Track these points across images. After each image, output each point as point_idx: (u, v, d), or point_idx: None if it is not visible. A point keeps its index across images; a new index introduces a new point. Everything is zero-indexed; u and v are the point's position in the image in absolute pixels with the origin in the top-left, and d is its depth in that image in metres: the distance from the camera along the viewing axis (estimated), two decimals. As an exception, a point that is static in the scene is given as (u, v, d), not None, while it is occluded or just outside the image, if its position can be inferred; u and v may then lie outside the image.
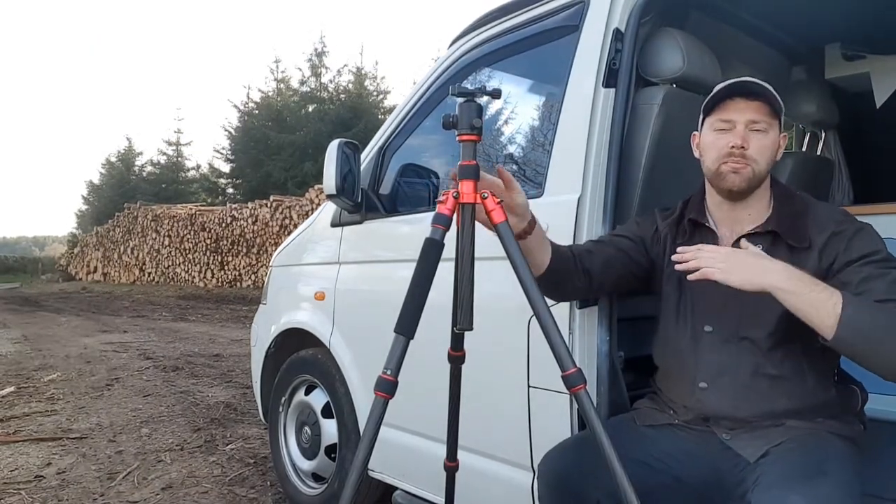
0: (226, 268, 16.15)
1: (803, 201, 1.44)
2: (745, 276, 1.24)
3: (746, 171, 1.37)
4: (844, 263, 1.31)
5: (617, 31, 1.70)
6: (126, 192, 25.59)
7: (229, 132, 22.01)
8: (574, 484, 1.39)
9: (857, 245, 1.31)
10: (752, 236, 1.42)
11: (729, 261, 1.26)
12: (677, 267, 1.31)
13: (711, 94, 1.42)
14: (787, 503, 1.15)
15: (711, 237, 1.48)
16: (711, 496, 1.39)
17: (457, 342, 1.55)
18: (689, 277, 1.29)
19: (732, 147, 1.37)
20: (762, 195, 1.44)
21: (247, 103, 22.31)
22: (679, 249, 1.32)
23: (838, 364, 1.48)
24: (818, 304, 1.19)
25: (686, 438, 1.45)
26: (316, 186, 13.25)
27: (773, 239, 1.41)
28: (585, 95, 1.72)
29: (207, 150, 66.12)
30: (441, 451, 1.69)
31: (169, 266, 18.38)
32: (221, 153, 22.70)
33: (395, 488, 2.25)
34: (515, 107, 2.25)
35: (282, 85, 22.43)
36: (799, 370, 1.38)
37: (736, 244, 1.42)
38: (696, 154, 1.49)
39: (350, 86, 21.28)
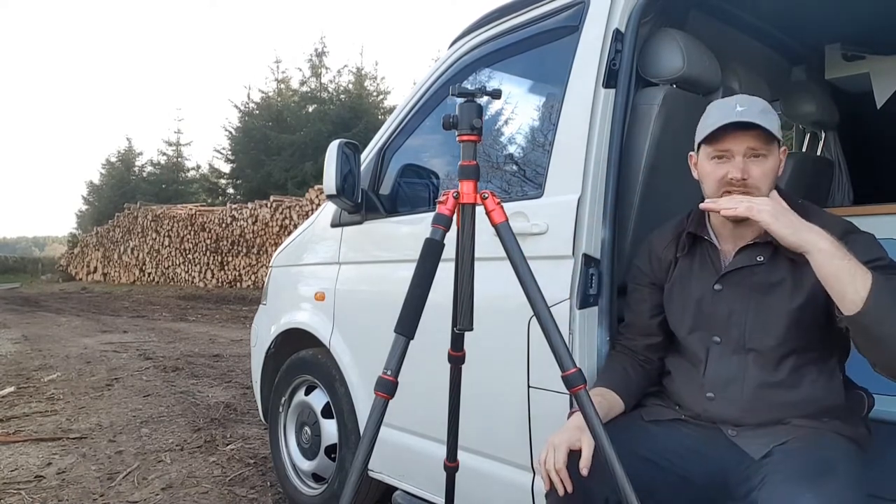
0: (226, 268, 16.14)
1: (804, 208, 1.42)
2: (789, 226, 1.21)
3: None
4: None
5: (617, 31, 1.70)
6: (126, 192, 25.55)
7: (229, 132, 21.99)
8: (582, 481, 1.39)
9: (861, 249, 1.30)
10: (752, 247, 1.41)
11: (776, 208, 1.24)
12: (723, 213, 1.30)
13: (705, 123, 1.39)
14: (799, 501, 1.15)
15: (712, 250, 1.48)
16: (715, 494, 1.39)
17: (457, 342, 1.55)
18: (727, 214, 1.28)
19: (732, 178, 1.34)
20: None
21: (247, 103, 22.30)
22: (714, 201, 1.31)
23: (844, 371, 1.48)
24: (852, 273, 1.17)
25: (691, 435, 1.46)
26: (316, 186, 13.24)
27: (773, 250, 1.39)
28: (585, 96, 1.72)
29: (207, 150, 66.19)
30: (441, 451, 1.69)
31: (169, 266, 18.37)
32: (221, 153, 22.68)
33: (395, 488, 2.26)
34: (515, 107, 2.25)
35: (282, 85, 22.44)
36: (807, 380, 1.39)
37: (737, 255, 1.43)
38: (695, 175, 1.47)
39: (350, 86, 21.27)
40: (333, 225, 2.53)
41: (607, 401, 1.48)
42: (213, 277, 16.51)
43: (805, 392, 1.38)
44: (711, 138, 1.37)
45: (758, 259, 1.40)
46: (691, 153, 1.49)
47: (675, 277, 1.54)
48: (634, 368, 1.58)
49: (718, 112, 1.38)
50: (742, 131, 1.34)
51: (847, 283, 1.18)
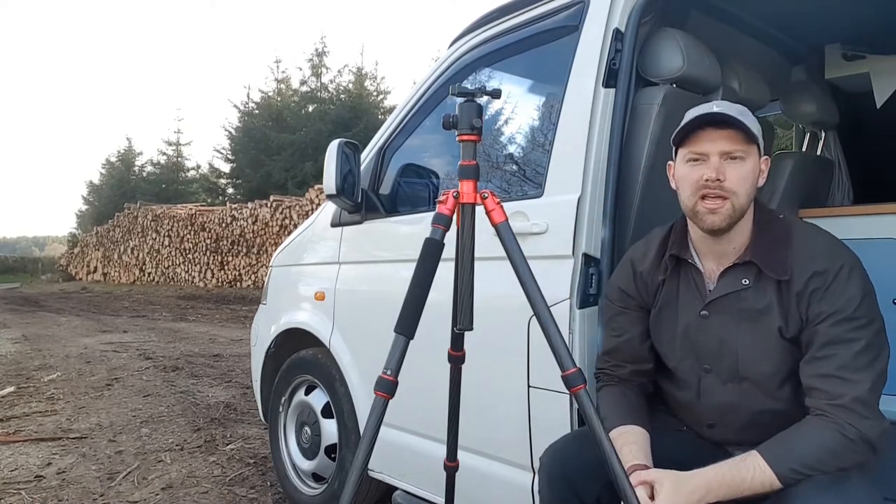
0: (226, 268, 16.14)
1: (786, 227, 1.35)
2: None
3: (725, 209, 1.29)
4: (816, 315, 1.26)
5: (617, 31, 1.70)
6: (126, 192, 25.56)
7: (229, 132, 21.99)
8: (575, 476, 1.39)
9: (833, 296, 1.25)
10: (735, 269, 1.35)
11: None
12: None
13: (681, 124, 1.34)
14: None
15: (694, 272, 1.41)
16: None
17: (457, 342, 1.55)
18: None
19: (707, 180, 1.28)
20: (745, 224, 1.35)
21: (247, 103, 22.30)
22: None
23: None
24: (754, 482, 1.21)
25: (696, 446, 1.45)
26: (316, 186, 13.24)
27: (757, 271, 1.33)
28: (585, 95, 1.72)
29: (207, 150, 66.25)
30: (441, 451, 1.69)
31: (169, 266, 18.37)
32: (221, 153, 22.69)
33: (395, 488, 2.26)
34: (515, 107, 2.25)
35: (282, 85, 22.43)
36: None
37: (721, 277, 1.37)
38: (673, 185, 1.40)
39: (350, 86, 21.26)
40: (333, 225, 2.53)
41: (637, 441, 1.38)
42: (213, 277, 16.51)
43: (804, 413, 1.29)
44: (687, 138, 1.32)
45: (743, 282, 1.34)
46: (670, 162, 1.43)
47: (661, 302, 1.46)
48: (633, 393, 1.51)
49: (694, 113, 1.33)
50: (717, 131, 1.29)
51: (759, 490, 1.21)
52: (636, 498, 1.22)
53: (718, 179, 1.28)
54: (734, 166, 1.29)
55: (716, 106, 1.32)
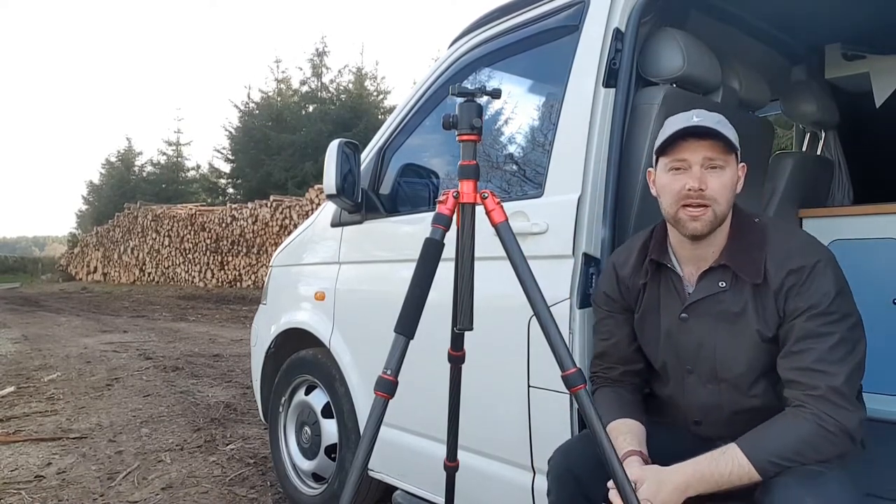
0: (226, 268, 16.14)
1: (761, 229, 1.38)
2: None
3: (707, 216, 1.32)
4: (793, 311, 1.29)
5: (617, 30, 1.70)
6: (126, 192, 25.56)
7: (229, 132, 21.99)
8: (582, 479, 1.40)
9: (808, 291, 1.28)
10: (712, 272, 1.39)
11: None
12: None
13: (662, 135, 1.37)
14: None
15: (674, 277, 1.45)
16: (711, 494, 1.40)
17: (457, 342, 1.55)
18: None
19: (689, 189, 1.31)
20: (723, 228, 1.38)
21: (247, 103, 22.30)
22: None
23: None
24: (732, 476, 1.23)
25: (688, 437, 1.47)
26: (316, 186, 13.24)
27: (733, 274, 1.36)
28: (585, 95, 1.72)
29: (207, 150, 66.26)
30: (441, 451, 1.69)
31: (169, 266, 18.37)
32: (221, 153, 22.69)
33: (395, 488, 2.26)
34: (515, 107, 2.25)
35: (282, 85, 22.43)
36: (783, 399, 1.33)
37: (699, 280, 1.40)
38: (653, 192, 1.44)
39: (350, 86, 21.26)
40: (333, 225, 2.53)
41: (631, 430, 1.43)
42: (213, 277, 16.51)
43: (783, 407, 1.32)
44: (668, 148, 1.35)
45: (720, 285, 1.37)
46: (650, 169, 1.45)
47: (643, 306, 1.50)
48: (627, 391, 1.55)
49: (675, 123, 1.36)
50: (698, 140, 1.32)
51: (735, 482, 1.23)
52: (636, 498, 1.23)
53: (700, 189, 1.31)
54: (715, 175, 1.33)
55: (695, 116, 1.34)
